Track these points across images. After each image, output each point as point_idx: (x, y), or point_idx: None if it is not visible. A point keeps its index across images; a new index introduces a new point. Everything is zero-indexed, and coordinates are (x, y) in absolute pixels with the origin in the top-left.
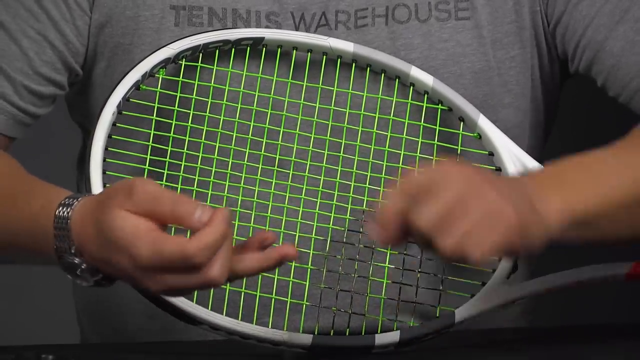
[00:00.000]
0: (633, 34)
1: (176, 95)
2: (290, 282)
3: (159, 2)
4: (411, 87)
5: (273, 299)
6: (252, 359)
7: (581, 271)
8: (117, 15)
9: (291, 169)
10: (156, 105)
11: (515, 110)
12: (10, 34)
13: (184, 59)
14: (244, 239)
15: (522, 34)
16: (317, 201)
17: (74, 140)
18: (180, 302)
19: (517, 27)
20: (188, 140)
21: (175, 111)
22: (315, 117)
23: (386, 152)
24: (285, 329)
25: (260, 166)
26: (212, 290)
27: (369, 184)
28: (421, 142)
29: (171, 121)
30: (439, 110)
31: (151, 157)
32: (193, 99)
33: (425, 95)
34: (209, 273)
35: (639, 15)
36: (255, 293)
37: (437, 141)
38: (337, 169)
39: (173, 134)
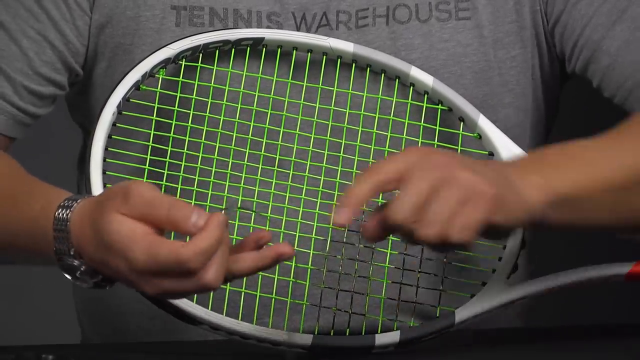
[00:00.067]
0: (629, 34)
1: (176, 96)
2: (291, 282)
3: (160, 3)
4: (411, 87)
5: (273, 299)
6: (252, 359)
7: (581, 271)
8: (117, 16)
9: (291, 169)
10: (156, 105)
11: (516, 109)
12: (10, 34)
13: (184, 59)
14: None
15: (523, 33)
16: (317, 201)
17: (74, 140)
18: (181, 302)
19: (518, 27)
20: (188, 141)
21: (175, 111)
22: (315, 117)
23: (386, 152)
24: (285, 329)
25: (260, 166)
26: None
27: None
28: (421, 142)
29: (171, 121)
30: (439, 110)
31: (151, 157)
32: (193, 99)
33: (425, 96)
34: (204, 277)
35: (636, 15)
36: (255, 293)
37: (437, 141)
38: (337, 169)
39: (173, 134)
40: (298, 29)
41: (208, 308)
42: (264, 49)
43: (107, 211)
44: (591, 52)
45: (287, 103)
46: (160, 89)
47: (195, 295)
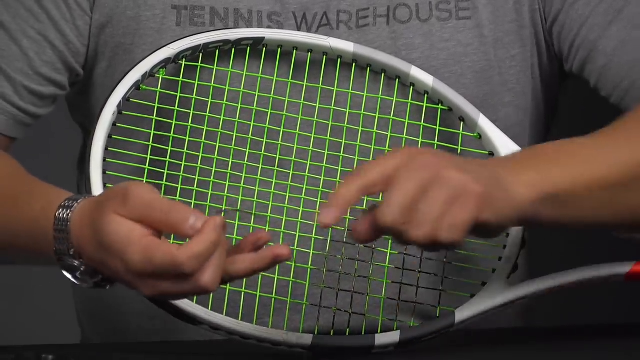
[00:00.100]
0: (625, 34)
1: (176, 95)
2: (291, 282)
3: (160, 2)
4: (411, 87)
5: (273, 299)
6: (252, 359)
7: (581, 271)
8: (118, 16)
9: (291, 169)
10: (156, 105)
11: (516, 109)
12: (10, 34)
13: (184, 59)
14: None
15: (523, 32)
16: (317, 201)
17: (74, 140)
18: (181, 302)
19: (518, 26)
20: (188, 140)
21: (176, 111)
22: (316, 117)
23: (386, 152)
24: (285, 329)
25: (260, 166)
26: None
27: None
28: (421, 142)
29: (171, 121)
30: (439, 110)
31: (151, 157)
32: (193, 99)
33: (426, 95)
34: (201, 280)
35: (632, 15)
36: (255, 293)
37: (437, 141)
38: (337, 169)
39: (173, 134)
40: (299, 29)
41: (208, 308)
42: (264, 48)
43: (106, 212)
44: (587, 52)
45: (287, 103)
46: (161, 88)
47: (195, 296)
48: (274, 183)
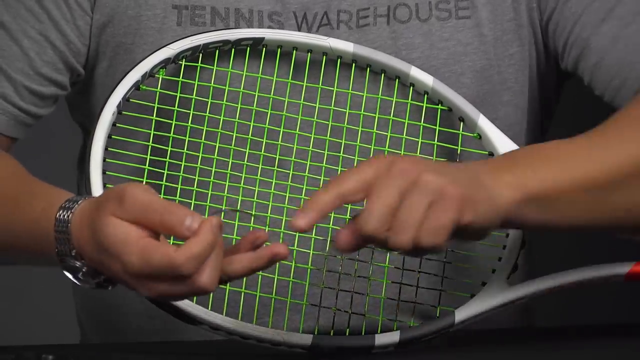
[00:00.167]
0: (617, 32)
1: (176, 96)
2: (290, 282)
3: (161, 2)
4: (411, 87)
5: (273, 299)
6: (252, 359)
7: (581, 271)
8: (119, 15)
9: (291, 169)
10: (156, 105)
11: (515, 108)
12: (11, 35)
13: (184, 59)
14: None
15: (521, 31)
16: None
17: (74, 140)
18: (180, 302)
19: (516, 25)
20: (188, 141)
21: (175, 111)
22: (315, 117)
23: (386, 152)
24: (285, 329)
25: (260, 166)
26: None
27: None
28: (421, 142)
29: (171, 121)
30: (439, 110)
31: (151, 157)
32: (193, 99)
33: (425, 95)
34: (198, 281)
35: (623, 13)
36: (255, 293)
37: (437, 141)
38: (337, 169)
39: (173, 134)
40: (299, 29)
41: (208, 308)
42: (264, 48)
43: (103, 214)
44: (580, 50)
45: (287, 103)
46: (160, 89)
47: (194, 296)
48: (273, 183)
